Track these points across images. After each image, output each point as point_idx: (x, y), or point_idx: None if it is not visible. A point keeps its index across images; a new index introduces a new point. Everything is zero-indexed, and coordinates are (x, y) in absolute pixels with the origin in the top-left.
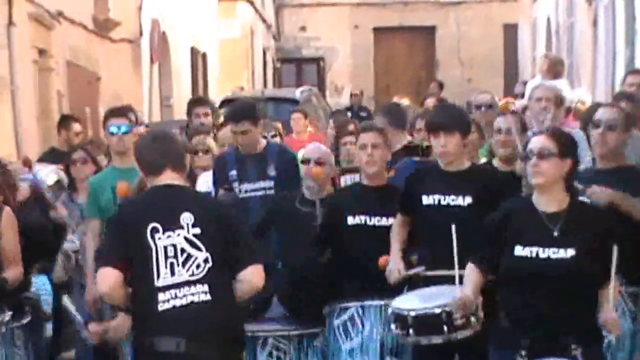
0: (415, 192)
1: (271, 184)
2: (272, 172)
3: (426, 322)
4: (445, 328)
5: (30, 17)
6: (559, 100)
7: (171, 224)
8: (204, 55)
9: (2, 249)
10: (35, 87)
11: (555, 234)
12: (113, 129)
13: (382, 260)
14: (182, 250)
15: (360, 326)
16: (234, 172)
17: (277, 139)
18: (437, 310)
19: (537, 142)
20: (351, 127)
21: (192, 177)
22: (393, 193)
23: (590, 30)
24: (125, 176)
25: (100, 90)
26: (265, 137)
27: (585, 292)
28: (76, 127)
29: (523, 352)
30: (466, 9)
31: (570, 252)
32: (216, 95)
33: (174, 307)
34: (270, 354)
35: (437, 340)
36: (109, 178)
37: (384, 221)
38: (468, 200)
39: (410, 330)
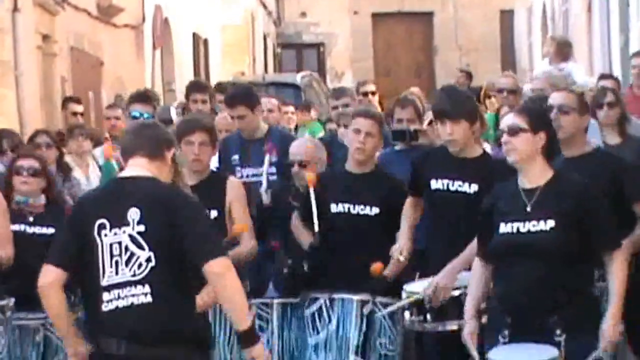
0: (424, 175)
1: (273, 169)
2: (273, 157)
3: (444, 306)
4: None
5: (35, 3)
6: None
7: (118, 221)
8: (205, 41)
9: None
10: (39, 72)
11: (528, 208)
12: (136, 114)
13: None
14: (126, 248)
15: (327, 320)
16: (236, 157)
17: (274, 114)
18: (456, 293)
19: (507, 119)
20: None
21: None
22: (380, 180)
23: (585, 15)
24: None
25: (103, 75)
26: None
27: (568, 267)
28: (73, 106)
29: (506, 332)
30: None
31: (550, 224)
32: (218, 80)
33: (116, 307)
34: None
35: (452, 326)
36: None
37: (367, 210)
38: (474, 187)
39: (428, 316)
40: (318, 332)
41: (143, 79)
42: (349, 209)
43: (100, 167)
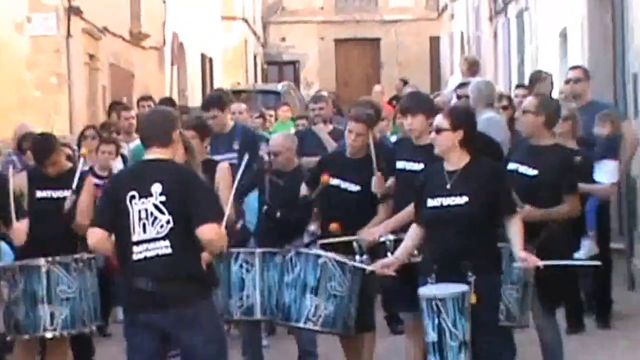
0: (395, 157)
1: (234, 155)
2: (235, 146)
3: (374, 249)
4: (389, 254)
5: (83, 31)
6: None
7: (145, 193)
8: (210, 59)
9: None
10: (85, 82)
11: (448, 186)
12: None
13: (332, 226)
14: (151, 214)
15: (294, 266)
16: (208, 147)
17: (243, 115)
18: (382, 239)
19: (437, 119)
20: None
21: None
22: (366, 165)
23: (492, 41)
24: None
25: (133, 85)
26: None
27: (478, 229)
28: (125, 113)
29: (433, 275)
30: (402, 25)
31: (465, 199)
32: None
33: (145, 257)
34: (240, 266)
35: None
36: None
37: (351, 187)
38: (422, 165)
39: (364, 256)
40: (289, 274)
41: (163, 88)
42: (339, 184)
43: (122, 156)
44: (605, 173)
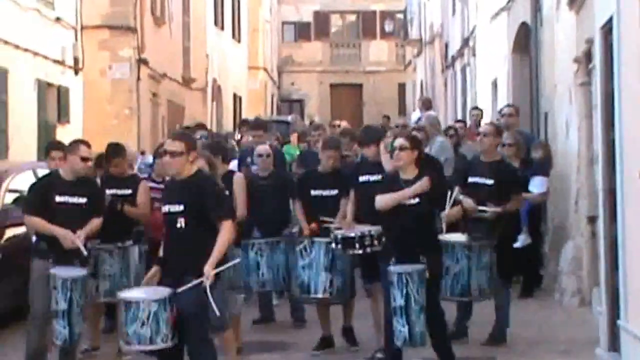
0: (356, 173)
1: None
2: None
3: (347, 241)
4: (357, 245)
5: (149, 76)
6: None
7: None
8: (240, 98)
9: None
10: (150, 114)
11: None
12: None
13: (312, 227)
14: None
15: (309, 252)
16: (249, 159)
17: (276, 142)
18: (352, 234)
19: (399, 141)
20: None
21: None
22: (338, 176)
23: (443, 87)
24: None
25: (184, 116)
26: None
27: (425, 222)
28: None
29: (393, 259)
30: (379, 74)
31: (417, 200)
32: (244, 118)
33: None
34: (256, 253)
35: (353, 251)
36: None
37: (331, 193)
38: (380, 176)
39: (339, 245)
40: (304, 259)
41: (206, 118)
42: (321, 193)
43: None
44: (537, 185)
